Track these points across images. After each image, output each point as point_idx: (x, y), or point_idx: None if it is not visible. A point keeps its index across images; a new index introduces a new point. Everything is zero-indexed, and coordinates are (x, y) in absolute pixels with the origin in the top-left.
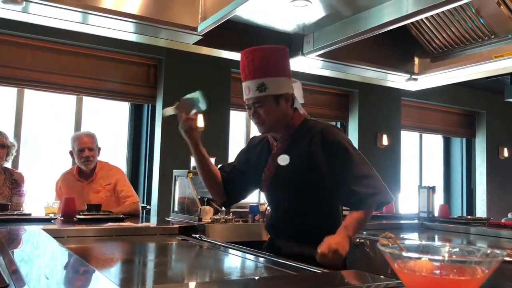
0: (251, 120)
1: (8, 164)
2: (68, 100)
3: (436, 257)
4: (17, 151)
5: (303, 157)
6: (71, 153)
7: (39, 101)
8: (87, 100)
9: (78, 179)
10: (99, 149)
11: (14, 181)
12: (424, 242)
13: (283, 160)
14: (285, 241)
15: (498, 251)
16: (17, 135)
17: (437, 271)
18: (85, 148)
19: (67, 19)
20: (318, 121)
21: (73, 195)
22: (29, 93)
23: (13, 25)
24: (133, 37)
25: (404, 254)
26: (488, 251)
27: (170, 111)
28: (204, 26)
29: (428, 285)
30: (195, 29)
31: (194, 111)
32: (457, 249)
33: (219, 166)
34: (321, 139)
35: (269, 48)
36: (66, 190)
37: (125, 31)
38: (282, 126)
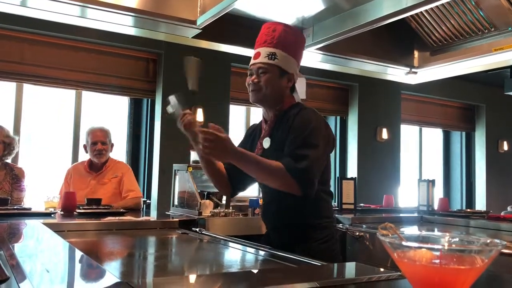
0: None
1: (8, 159)
2: (67, 95)
3: (436, 246)
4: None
5: (282, 140)
6: (84, 147)
7: (38, 96)
8: (86, 95)
9: (88, 171)
10: (112, 144)
11: (14, 176)
12: (424, 233)
13: (266, 143)
14: (274, 229)
15: (497, 241)
16: (17, 130)
17: (437, 261)
18: (98, 141)
19: (66, 13)
20: (306, 106)
21: (81, 186)
22: (28, 88)
23: (11, 19)
24: (132, 31)
25: (404, 243)
26: (488, 241)
27: (171, 107)
28: (203, 20)
29: (427, 275)
30: (194, 22)
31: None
32: (457, 239)
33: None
34: (294, 118)
35: (291, 27)
36: (75, 179)
37: (124, 25)
38: (273, 105)
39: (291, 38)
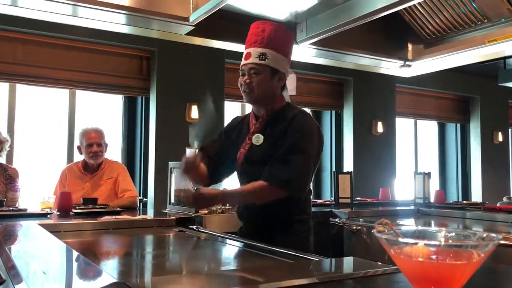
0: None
1: (2, 160)
2: (61, 94)
3: (432, 242)
4: (11, 146)
5: (275, 140)
6: (78, 148)
7: (32, 96)
8: (80, 94)
9: (83, 173)
10: (107, 145)
11: (8, 177)
12: (420, 228)
13: (257, 139)
14: (252, 225)
15: (494, 235)
16: (11, 130)
17: (434, 256)
18: (93, 143)
19: (58, 12)
20: (297, 107)
21: (76, 188)
22: (21, 88)
23: (2, 19)
24: (124, 29)
25: (400, 240)
26: (484, 235)
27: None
28: (196, 16)
29: (424, 270)
30: (187, 19)
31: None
32: (453, 234)
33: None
34: (290, 123)
35: (280, 25)
36: (70, 181)
37: (116, 23)
38: (266, 104)
39: (280, 37)
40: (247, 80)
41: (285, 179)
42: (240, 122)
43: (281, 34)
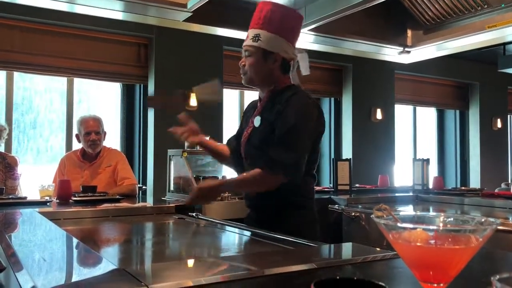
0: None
1: (0, 148)
2: (59, 82)
3: (431, 227)
4: (9, 135)
5: (271, 122)
6: (77, 136)
7: (30, 84)
8: (78, 82)
9: (81, 161)
10: (105, 133)
11: (7, 165)
12: (418, 213)
13: (257, 121)
14: (254, 209)
15: (492, 219)
16: (9, 118)
17: (432, 241)
18: (91, 131)
19: None
20: (300, 89)
21: (75, 176)
22: (18, 75)
23: (0, 6)
24: (122, 16)
25: (398, 225)
26: (483, 220)
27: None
28: (194, 2)
29: (423, 255)
30: (184, 5)
31: None
32: (452, 219)
33: (228, 139)
34: (286, 104)
35: (280, 6)
36: (69, 170)
37: (114, 10)
38: (264, 86)
39: (278, 16)
40: (242, 63)
41: (283, 165)
42: (253, 106)
43: (279, 14)
